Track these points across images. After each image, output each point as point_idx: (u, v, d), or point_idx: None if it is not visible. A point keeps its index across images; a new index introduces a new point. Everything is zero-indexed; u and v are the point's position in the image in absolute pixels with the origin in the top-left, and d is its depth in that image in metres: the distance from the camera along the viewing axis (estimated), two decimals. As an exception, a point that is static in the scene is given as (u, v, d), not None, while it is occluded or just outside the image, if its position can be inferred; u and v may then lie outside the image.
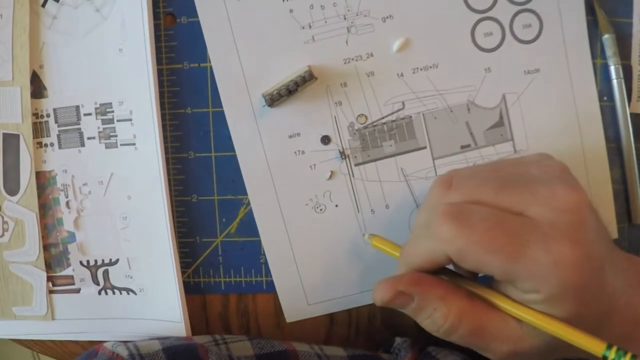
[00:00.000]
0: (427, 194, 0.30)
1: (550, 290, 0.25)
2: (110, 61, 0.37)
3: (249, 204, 0.37)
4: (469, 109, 0.37)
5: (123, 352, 0.34)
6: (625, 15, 0.37)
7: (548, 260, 0.25)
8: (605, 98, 0.37)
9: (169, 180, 0.38)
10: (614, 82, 0.37)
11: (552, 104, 0.37)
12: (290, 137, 0.37)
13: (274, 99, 0.35)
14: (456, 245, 0.26)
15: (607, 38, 0.37)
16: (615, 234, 0.38)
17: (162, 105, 0.37)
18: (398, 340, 0.37)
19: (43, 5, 0.37)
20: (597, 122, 0.37)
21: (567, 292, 0.25)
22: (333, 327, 0.39)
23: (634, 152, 0.37)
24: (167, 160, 0.38)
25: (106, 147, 0.38)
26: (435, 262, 0.28)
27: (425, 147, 0.37)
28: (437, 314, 0.28)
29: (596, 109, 0.37)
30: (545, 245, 0.25)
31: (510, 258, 0.25)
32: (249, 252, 0.38)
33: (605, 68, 0.37)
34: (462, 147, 0.37)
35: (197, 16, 0.36)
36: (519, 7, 0.36)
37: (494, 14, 0.36)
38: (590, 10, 0.37)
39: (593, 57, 0.37)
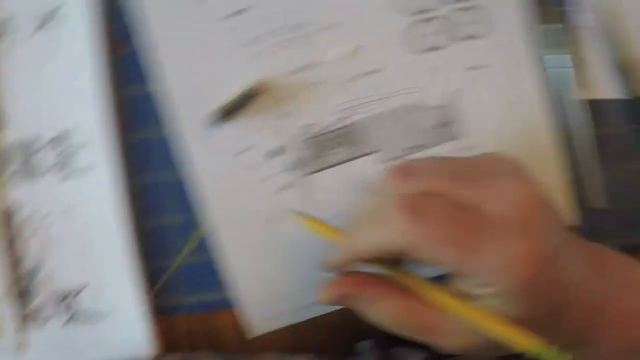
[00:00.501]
0: (380, 182, 0.29)
1: (503, 285, 0.25)
2: (62, 91, 0.38)
3: (206, 223, 0.38)
4: (416, 110, 0.37)
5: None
6: (572, 5, 0.38)
7: (500, 254, 0.25)
8: (553, 88, 0.37)
9: (128, 204, 0.38)
10: (562, 71, 0.37)
11: (500, 98, 0.37)
12: (240, 152, 0.37)
13: (223, 117, 0.36)
14: (410, 237, 0.26)
15: (555, 28, 0.37)
16: (575, 221, 0.38)
17: (118, 131, 0.38)
18: (364, 343, 0.37)
19: (-8, 44, 0.38)
20: (547, 112, 0.37)
21: (520, 285, 0.25)
22: (298, 337, 0.39)
23: (586, 138, 0.37)
24: (126, 185, 0.38)
25: (63, 177, 0.38)
26: (386, 252, 0.27)
27: (375, 152, 0.37)
28: (382, 314, 0.28)
29: (545, 100, 0.37)
30: (498, 240, 0.25)
31: (463, 252, 0.25)
32: (210, 270, 0.38)
33: (554, 59, 0.37)
34: (412, 148, 0.37)
35: (143, 42, 0.37)
36: (463, 4, 0.36)
37: (437, 14, 0.37)
38: (537, 0, 0.37)
39: (541, 48, 0.37)
